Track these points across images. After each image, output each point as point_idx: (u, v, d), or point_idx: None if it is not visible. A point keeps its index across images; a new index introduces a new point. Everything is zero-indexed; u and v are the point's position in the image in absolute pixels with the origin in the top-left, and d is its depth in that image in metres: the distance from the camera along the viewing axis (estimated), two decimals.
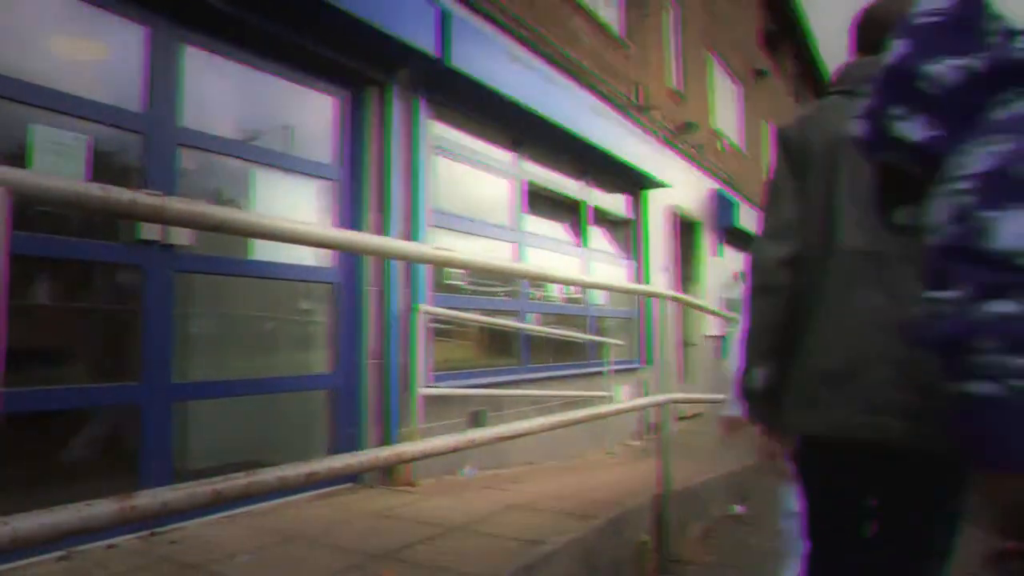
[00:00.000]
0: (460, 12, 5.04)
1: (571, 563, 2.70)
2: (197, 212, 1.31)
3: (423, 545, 2.88)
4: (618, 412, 3.05)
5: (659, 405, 3.46)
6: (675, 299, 3.80)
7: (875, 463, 1.35)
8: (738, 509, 4.52)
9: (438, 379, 4.76)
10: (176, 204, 1.28)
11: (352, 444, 4.08)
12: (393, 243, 2.11)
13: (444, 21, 4.59)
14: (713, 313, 4.79)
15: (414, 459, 1.73)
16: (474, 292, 5.52)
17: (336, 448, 4.04)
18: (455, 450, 1.91)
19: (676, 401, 3.70)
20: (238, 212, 1.34)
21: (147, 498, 1.21)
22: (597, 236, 7.50)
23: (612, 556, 3.03)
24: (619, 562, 3.09)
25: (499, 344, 5.91)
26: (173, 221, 1.28)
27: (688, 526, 3.78)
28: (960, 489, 1.36)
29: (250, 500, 3.21)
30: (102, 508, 1.15)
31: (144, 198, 1.23)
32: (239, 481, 1.36)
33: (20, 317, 3.04)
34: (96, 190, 1.17)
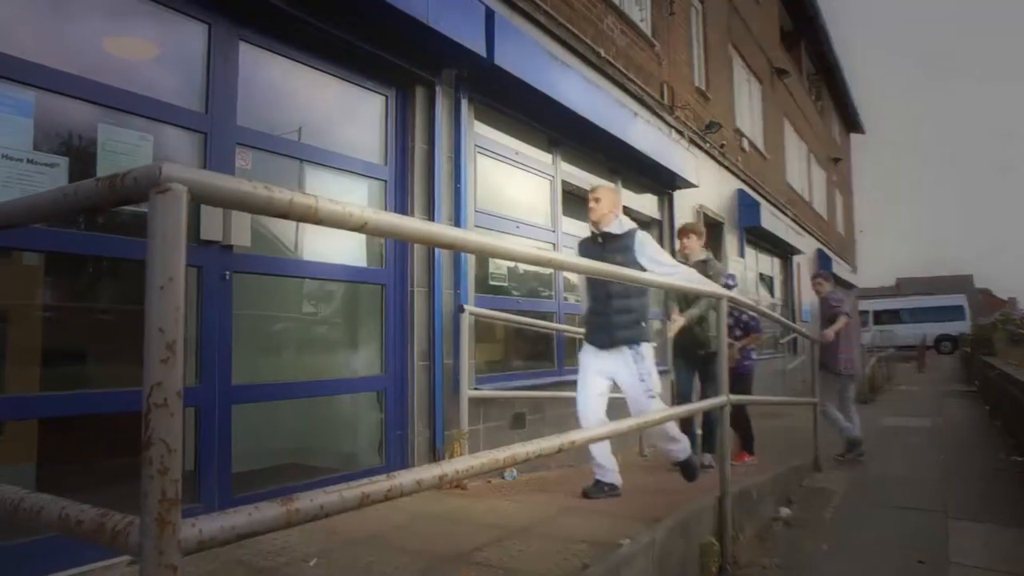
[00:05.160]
0: (501, 10, 5.02)
1: (646, 564, 2.68)
2: (345, 212, 1.29)
3: (493, 547, 2.85)
4: (686, 414, 3.02)
5: (720, 407, 3.44)
6: (731, 300, 3.76)
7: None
8: (786, 511, 4.49)
9: (478, 381, 4.74)
10: (327, 204, 1.26)
11: (402, 446, 4.07)
12: (503, 244, 2.12)
13: (488, 20, 4.57)
14: (763, 315, 4.76)
15: (527, 459, 1.72)
16: (508, 293, 5.50)
17: (388, 450, 4.02)
18: (559, 451, 1.90)
19: (732, 403, 3.67)
20: (381, 213, 1.33)
21: (306, 501, 1.21)
22: None
23: (680, 557, 3.01)
24: (685, 564, 3.07)
25: (535, 346, 5.88)
26: (324, 221, 1.26)
27: (744, 528, 3.75)
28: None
29: None
30: (269, 511, 1.15)
31: (300, 198, 1.22)
32: (382, 484, 1.35)
33: (80, 319, 3.04)
34: (263, 190, 1.15)
